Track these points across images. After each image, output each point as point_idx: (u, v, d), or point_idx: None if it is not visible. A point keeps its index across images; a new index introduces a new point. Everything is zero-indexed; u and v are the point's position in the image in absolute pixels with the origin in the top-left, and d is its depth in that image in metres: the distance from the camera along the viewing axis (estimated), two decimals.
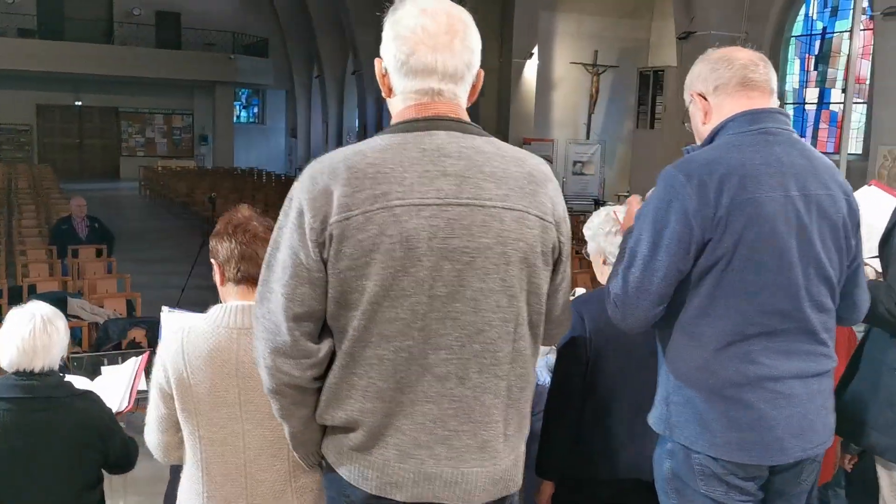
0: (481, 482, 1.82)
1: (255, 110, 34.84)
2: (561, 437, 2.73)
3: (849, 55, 11.90)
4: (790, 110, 13.81)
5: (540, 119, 20.60)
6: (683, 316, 2.08)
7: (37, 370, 2.76)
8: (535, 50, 20.09)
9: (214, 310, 2.39)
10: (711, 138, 2.16)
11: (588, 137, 21.09)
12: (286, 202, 1.85)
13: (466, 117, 1.87)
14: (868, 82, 11.64)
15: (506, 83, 20.34)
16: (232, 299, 2.41)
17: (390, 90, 1.86)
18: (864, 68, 11.94)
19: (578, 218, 16.70)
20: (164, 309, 2.92)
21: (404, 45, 1.80)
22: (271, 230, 2.39)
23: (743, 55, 2.20)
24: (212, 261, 2.45)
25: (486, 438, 1.82)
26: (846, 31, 12.69)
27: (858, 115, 12.00)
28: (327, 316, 1.81)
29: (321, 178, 1.76)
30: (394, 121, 1.84)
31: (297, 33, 30.89)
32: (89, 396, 2.89)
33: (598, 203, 19.85)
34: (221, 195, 18.02)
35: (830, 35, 12.91)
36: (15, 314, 2.79)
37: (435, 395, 1.78)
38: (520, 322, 1.83)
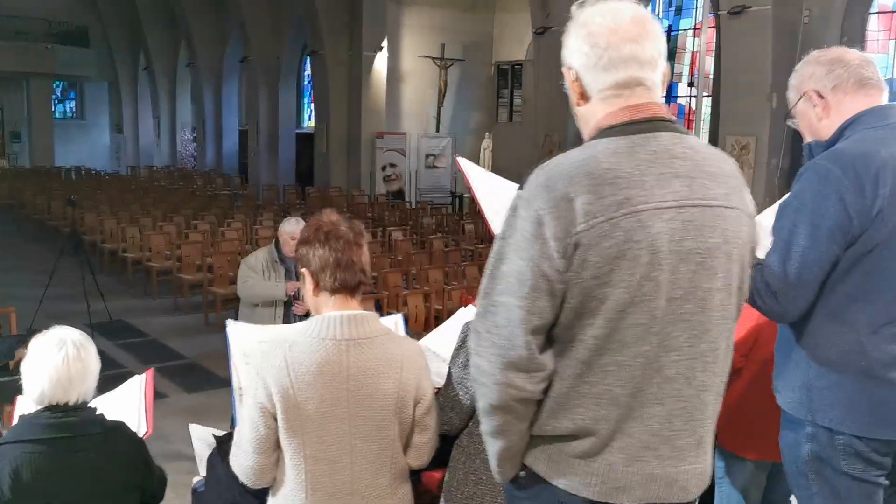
0: (694, 479, 1.84)
1: (73, 105, 32.35)
2: None
3: (697, 51, 12.77)
4: None
5: (391, 112, 20.59)
6: (830, 302, 2.18)
7: (71, 403, 2.44)
8: (385, 43, 20.04)
9: (314, 322, 2.25)
10: (840, 133, 2.27)
11: (438, 130, 21.32)
12: (509, 212, 1.78)
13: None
14: (712, 76, 12.55)
15: (356, 76, 20.16)
16: (328, 309, 2.27)
17: (582, 95, 1.85)
18: (708, 64, 12.86)
19: (441, 210, 17.02)
20: (229, 322, 2.67)
21: (600, 40, 1.79)
22: (361, 234, 2.27)
23: (853, 56, 2.36)
24: (302, 270, 2.30)
25: (702, 435, 1.84)
26: (690, 29, 13.61)
27: (704, 107, 12.92)
28: (558, 326, 1.76)
29: (559, 185, 1.71)
30: (602, 123, 1.82)
31: (119, 21, 29.00)
32: (123, 429, 2.60)
33: (454, 195, 20.14)
34: (46, 196, 16.66)
35: (676, 32, 13.80)
36: (41, 341, 2.45)
37: (664, 396, 1.77)
38: (734, 319, 1.87)
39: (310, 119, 26.24)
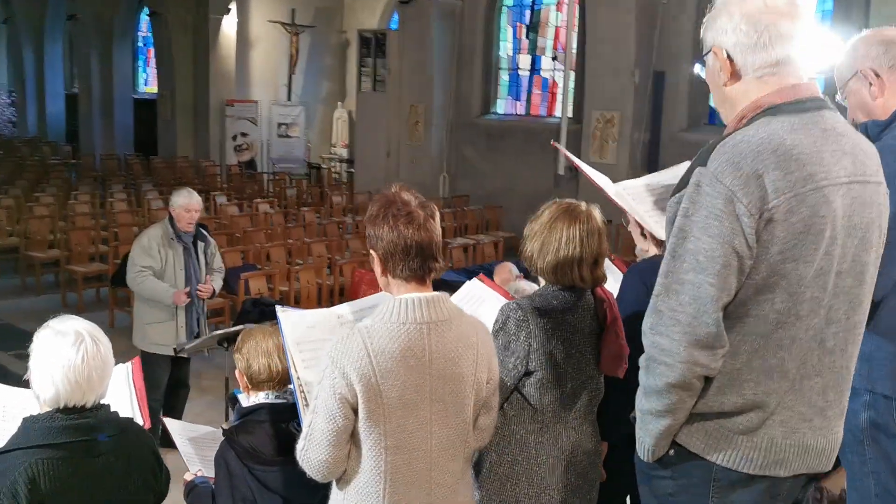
0: (837, 447, 1.89)
1: None
2: (617, 400, 2.78)
3: (560, 26, 13.09)
4: (504, 76, 14.88)
5: (240, 80, 19.71)
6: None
7: (89, 405, 2.15)
8: (233, 6, 19.10)
9: (390, 306, 2.10)
10: None
11: (289, 99, 20.66)
12: (692, 189, 1.75)
13: None
14: (576, 51, 12.93)
15: (203, 41, 19.12)
16: (401, 291, 2.12)
17: (733, 74, 1.87)
18: (573, 39, 13.23)
19: (282, 176, 16.51)
20: (279, 308, 2.41)
21: (759, 19, 1.81)
22: (433, 215, 2.14)
23: None
24: (371, 252, 2.14)
25: (844, 404, 1.91)
26: (554, 3, 13.94)
27: (570, 82, 13.29)
28: (736, 301, 1.76)
29: (746, 162, 1.71)
30: (764, 102, 1.82)
31: None
32: (135, 427, 2.35)
33: (311, 166, 19.66)
34: None
35: (539, 6, 14.08)
36: (52, 335, 2.13)
37: (822, 368, 1.81)
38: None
39: (146, 84, 24.66)
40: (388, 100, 15.27)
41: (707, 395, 1.83)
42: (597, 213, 2.69)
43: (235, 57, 19.23)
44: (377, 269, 2.18)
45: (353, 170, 19.61)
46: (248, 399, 2.74)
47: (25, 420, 2.17)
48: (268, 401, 2.70)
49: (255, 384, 2.71)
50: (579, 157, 12.67)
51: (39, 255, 10.09)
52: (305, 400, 2.27)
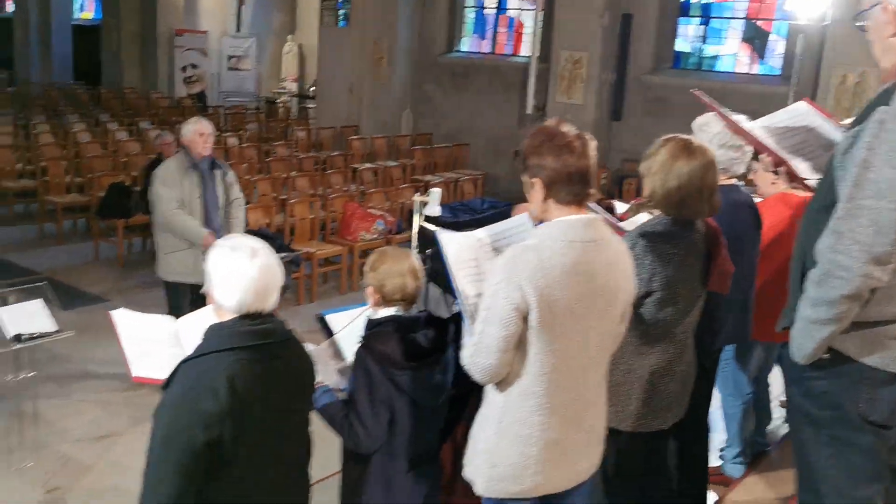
0: None
1: None
2: None
3: None
4: (470, 14, 14.89)
5: (188, 9, 19.12)
6: None
7: (266, 311, 2.34)
8: None
9: (554, 226, 2.35)
10: None
11: (239, 31, 20.17)
12: (875, 126, 2.00)
13: None
14: None
15: None
16: (561, 215, 2.35)
17: None
18: None
19: (240, 110, 16.25)
20: (439, 231, 2.59)
21: None
22: (587, 144, 2.36)
23: None
24: (532, 179, 2.35)
25: None
26: None
27: (537, 21, 13.42)
28: None
29: None
30: None
31: None
32: (293, 336, 2.53)
33: (268, 101, 19.29)
34: None
35: None
36: (228, 251, 2.30)
37: None
38: None
39: (82, 10, 23.62)
40: (350, 35, 15.10)
41: (869, 305, 2.14)
42: (709, 147, 2.94)
43: None
44: (537, 195, 2.38)
45: (308, 105, 19.42)
46: (376, 313, 2.95)
47: (212, 328, 2.32)
48: (398, 314, 2.91)
49: (388, 301, 2.92)
50: (546, 96, 12.92)
51: (11, 186, 9.84)
52: (469, 311, 2.48)
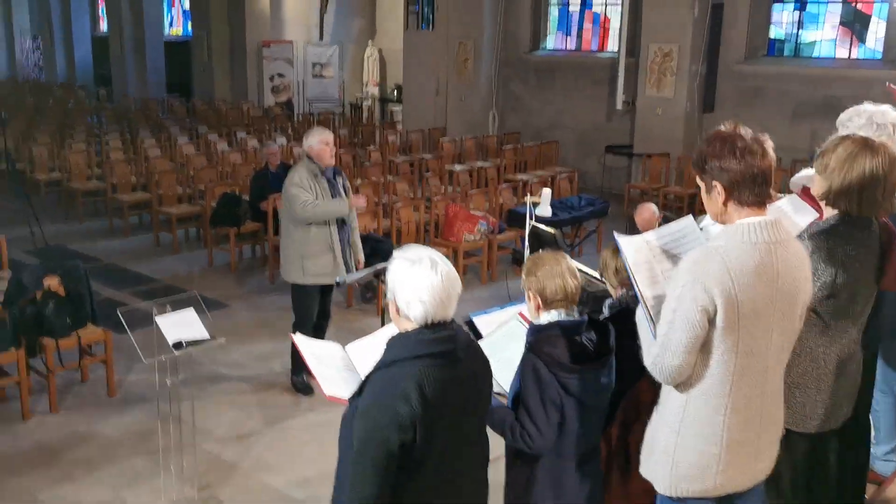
0: None
1: None
2: None
3: None
4: (555, 12, 14.85)
5: (275, 20, 19.59)
6: None
7: (448, 320, 2.43)
8: None
9: (738, 228, 2.37)
10: None
11: (321, 39, 20.56)
12: None
13: None
14: None
15: None
16: (742, 216, 2.37)
17: None
18: None
19: (328, 116, 16.58)
20: (617, 236, 2.65)
21: None
22: (765, 146, 2.35)
23: None
24: (714, 183, 2.36)
25: None
26: None
27: (623, 15, 13.30)
28: None
29: None
30: None
31: None
32: (473, 341, 2.61)
33: (353, 106, 19.60)
34: None
35: None
36: (409, 264, 2.39)
37: None
38: None
39: (171, 25, 24.44)
40: (435, 38, 15.25)
41: None
42: (890, 145, 2.89)
43: None
44: (718, 198, 2.40)
45: (391, 108, 19.67)
46: (539, 317, 3.01)
47: (397, 337, 2.42)
48: (560, 318, 2.97)
49: (548, 304, 2.97)
50: (635, 90, 12.78)
51: (127, 198, 10.30)
52: (649, 313, 2.52)
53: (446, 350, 2.37)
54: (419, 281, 2.36)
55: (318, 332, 6.00)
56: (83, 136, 13.19)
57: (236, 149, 12.14)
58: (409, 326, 2.41)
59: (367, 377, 2.41)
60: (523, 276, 3.04)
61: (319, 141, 5.63)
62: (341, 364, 2.96)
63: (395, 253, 2.49)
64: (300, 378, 5.93)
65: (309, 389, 5.88)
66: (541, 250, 6.13)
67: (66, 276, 5.77)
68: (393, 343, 2.42)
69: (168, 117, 16.51)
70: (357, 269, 5.89)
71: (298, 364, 5.93)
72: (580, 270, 3.17)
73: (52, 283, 5.68)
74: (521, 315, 3.48)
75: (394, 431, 2.25)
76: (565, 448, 2.93)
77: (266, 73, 19.30)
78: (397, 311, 2.41)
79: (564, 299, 2.97)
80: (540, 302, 2.99)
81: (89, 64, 23.70)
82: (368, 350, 2.86)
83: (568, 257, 3.05)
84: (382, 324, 5.54)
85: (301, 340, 3.10)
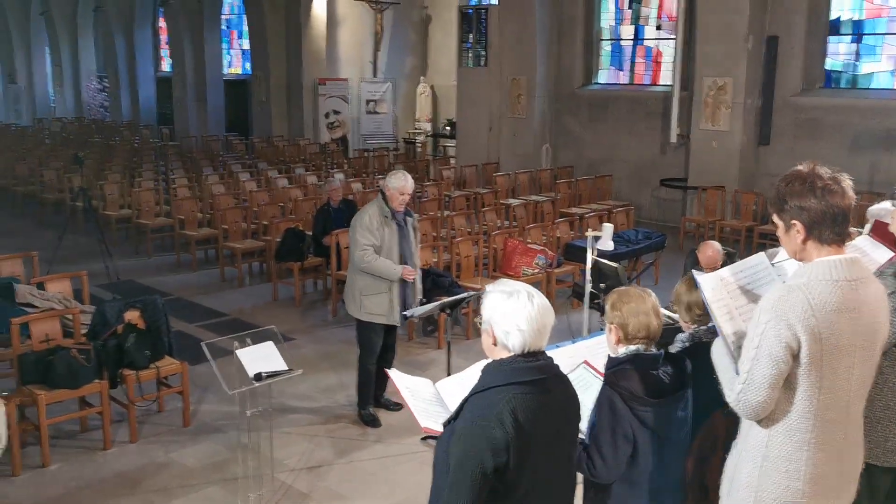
0: None
1: None
2: None
3: None
4: (607, 46, 14.99)
5: (330, 58, 20.10)
6: None
7: (542, 349, 2.52)
8: None
9: (818, 267, 2.41)
10: None
11: (375, 75, 21.00)
12: None
13: None
14: (682, 18, 12.98)
15: (294, 22, 19.51)
16: (822, 254, 2.42)
17: None
18: (674, 6, 13.29)
19: (383, 153, 16.90)
20: (696, 273, 2.74)
21: None
22: (844, 185, 2.40)
23: None
24: (794, 222, 2.42)
25: None
26: None
27: (672, 49, 13.39)
28: None
29: None
30: None
31: None
32: (561, 372, 2.69)
33: (406, 141, 19.92)
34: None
35: None
36: (505, 297, 2.50)
37: None
38: None
39: (230, 65, 25.20)
40: (489, 74, 15.49)
41: None
42: None
43: (326, 36, 19.58)
44: (798, 236, 2.47)
45: (444, 143, 19.95)
46: (618, 350, 3.09)
47: (492, 365, 2.53)
48: (638, 352, 3.05)
49: (629, 339, 3.06)
50: (689, 124, 12.80)
51: (193, 234, 10.63)
52: (731, 349, 2.59)
53: (539, 378, 2.48)
54: (518, 311, 2.47)
55: (382, 364, 6.13)
56: (150, 174, 13.67)
57: (296, 185, 12.45)
58: (504, 355, 2.52)
59: (465, 401, 2.51)
60: (607, 308, 3.12)
61: (397, 188, 5.77)
62: (433, 399, 3.07)
63: (490, 287, 2.60)
64: (367, 411, 6.06)
65: (376, 422, 5.99)
66: (602, 285, 6.25)
67: (146, 309, 6.00)
68: (489, 370, 2.53)
69: (228, 155, 17.02)
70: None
71: (366, 397, 6.07)
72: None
73: (133, 316, 5.92)
74: (588, 363, 3.55)
75: (488, 453, 2.34)
76: (638, 478, 2.99)
77: (322, 109, 19.79)
78: (494, 341, 2.52)
79: (646, 338, 3.04)
80: (621, 336, 3.06)
81: (153, 104, 24.51)
82: (458, 387, 2.97)
83: (653, 295, 3.12)
84: (448, 358, 5.66)
85: (396, 375, 3.22)
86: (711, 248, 6.16)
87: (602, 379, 3.07)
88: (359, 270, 5.85)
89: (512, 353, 2.50)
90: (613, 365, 3.04)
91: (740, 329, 2.62)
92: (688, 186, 13.00)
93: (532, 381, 2.46)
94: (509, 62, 15.10)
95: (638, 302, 3.04)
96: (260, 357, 4.42)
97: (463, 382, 2.88)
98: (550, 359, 2.57)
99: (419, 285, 6.18)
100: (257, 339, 4.84)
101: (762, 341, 2.40)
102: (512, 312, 2.47)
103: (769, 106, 12.48)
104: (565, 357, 3.71)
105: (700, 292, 2.71)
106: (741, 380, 2.47)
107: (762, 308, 2.43)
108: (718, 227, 11.76)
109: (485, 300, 2.55)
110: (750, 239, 11.31)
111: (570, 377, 3.39)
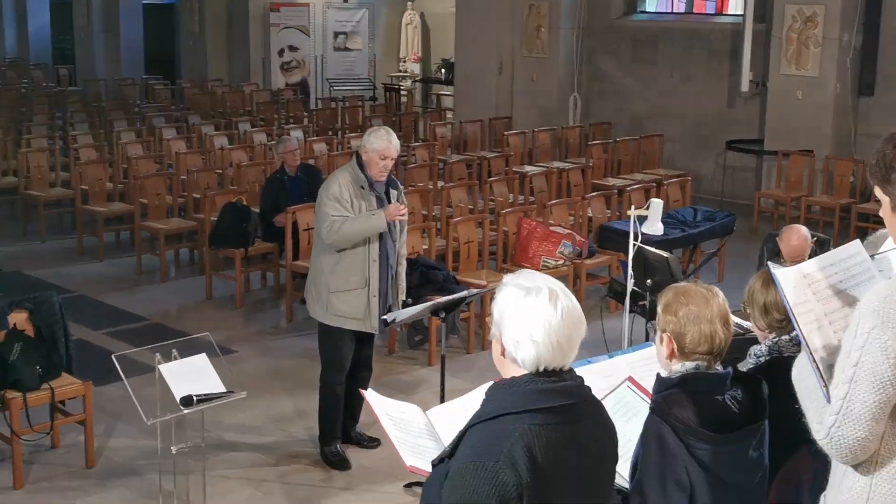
0: None
1: None
2: None
3: None
4: None
5: None
6: None
7: (566, 366, 2.52)
8: None
9: None
10: None
11: (346, 0, 20.95)
12: None
13: None
14: None
15: None
16: None
17: None
18: None
19: (356, 104, 16.82)
20: (771, 265, 2.74)
21: None
22: None
23: None
24: None
25: None
26: None
27: None
28: None
29: None
30: None
31: None
32: (593, 396, 2.69)
33: (387, 88, 19.87)
34: None
35: None
36: (522, 293, 2.47)
37: None
38: None
39: None
40: None
41: None
42: None
43: None
44: None
45: (439, 92, 19.93)
46: (671, 367, 3.08)
47: (501, 385, 2.52)
48: (699, 371, 3.04)
49: (687, 353, 3.04)
50: (767, 67, 12.80)
51: (101, 210, 10.61)
52: (819, 368, 2.57)
53: (564, 405, 2.46)
54: (534, 315, 2.44)
55: (354, 385, 6.12)
56: (43, 130, 13.60)
57: (239, 145, 12.44)
58: (517, 372, 2.50)
59: (463, 432, 2.50)
60: (659, 310, 3.10)
61: (377, 150, 5.71)
62: (423, 431, 3.06)
63: (507, 278, 2.58)
64: (333, 448, 6.05)
65: (345, 463, 6.01)
66: (649, 281, 6.26)
67: (37, 310, 5.99)
68: (497, 391, 2.51)
69: (148, 104, 16.96)
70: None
71: (331, 429, 6.06)
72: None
73: (19, 319, 5.91)
74: (633, 381, 3.54)
75: (494, 502, 2.32)
76: None
77: (274, 45, 19.75)
78: (502, 351, 2.50)
79: (709, 352, 3.02)
80: (675, 348, 3.05)
81: (47, 36, 24.40)
82: (457, 416, 2.96)
83: (721, 295, 3.09)
84: (442, 379, 5.66)
85: (373, 398, 3.22)
86: (798, 235, 6.16)
87: (650, 404, 3.06)
88: (326, 257, 5.82)
89: (525, 371, 2.48)
90: (665, 387, 3.03)
91: (831, 342, 2.60)
92: (764, 151, 13.02)
93: (554, 407, 2.44)
94: None
95: (700, 304, 3.02)
96: (190, 375, 4.42)
97: (464, 409, 2.88)
98: (580, 378, 2.56)
99: (402, 283, 6.16)
100: (186, 350, 4.83)
101: (863, 357, 2.39)
102: (526, 316, 2.45)
103: (874, 45, 12.48)
104: (599, 376, 3.71)
105: (778, 291, 2.70)
106: (834, 409, 2.45)
107: (862, 312, 2.41)
108: (804, 205, 11.78)
109: (497, 295, 2.54)
110: (846, 221, 11.33)
111: (608, 402, 3.39)
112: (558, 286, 2.52)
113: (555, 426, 2.43)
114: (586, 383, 2.58)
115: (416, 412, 3.18)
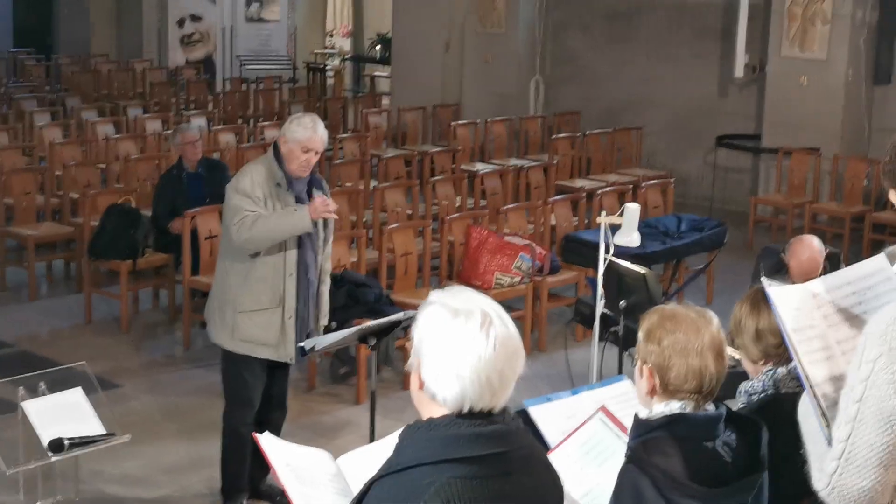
0: None
1: None
2: None
3: None
4: None
5: None
6: None
7: (497, 410, 2.48)
8: None
9: None
10: None
11: None
12: None
13: None
14: None
15: None
16: None
17: None
18: None
19: (272, 86, 16.74)
20: (766, 281, 2.74)
21: None
22: None
23: None
24: None
25: None
26: None
27: None
28: None
29: None
30: None
31: None
32: (537, 445, 2.71)
33: (310, 67, 19.88)
34: None
35: None
36: (449, 316, 2.43)
37: None
38: None
39: None
40: None
41: None
42: None
43: None
44: None
45: (374, 73, 19.95)
46: (651, 406, 3.07)
47: (416, 428, 2.48)
48: (685, 412, 3.04)
49: (671, 391, 3.03)
50: (766, 49, 12.96)
51: None
52: (821, 406, 2.59)
53: (492, 454, 2.43)
54: (460, 344, 2.41)
55: (264, 428, 6.06)
56: None
57: (128, 134, 12.34)
58: (436, 412, 2.48)
59: (368, 485, 2.49)
60: (640, 337, 3.09)
61: (299, 140, 5.68)
62: (329, 483, 3.04)
63: (433, 295, 2.54)
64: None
65: None
66: (623, 302, 6.30)
67: None
68: (411, 435, 2.47)
69: (17, 83, 16.76)
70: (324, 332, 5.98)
71: (236, 481, 6.01)
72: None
73: None
74: (606, 412, 3.53)
75: None
76: None
77: (172, 14, 19.65)
78: (421, 385, 2.48)
79: (698, 391, 3.02)
80: (657, 384, 3.04)
81: None
82: (371, 463, 2.94)
83: (716, 320, 3.08)
84: (372, 419, 5.64)
85: (269, 443, 3.18)
86: (810, 249, 6.20)
87: (626, 451, 3.06)
88: (234, 268, 5.79)
89: (448, 411, 2.46)
90: (644, 431, 3.03)
91: (841, 374, 2.62)
92: (761, 149, 13.17)
93: (480, 457, 2.41)
94: None
95: (689, 332, 3.01)
96: (61, 414, 4.36)
97: (382, 456, 2.86)
98: (515, 421, 2.55)
99: (325, 304, 6.14)
100: (58, 384, 4.77)
101: (868, 391, 2.41)
102: (451, 344, 2.42)
103: (892, 22, 12.69)
104: (561, 416, 3.70)
105: (773, 312, 2.71)
106: (835, 453, 2.46)
107: (868, 338, 2.43)
108: (809, 213, 11.89)
109: (419, 315, 2.51)
110: (858, 233, 11.48)
111: (575, 441, 3.39)
112: (494, 309, 2.49)
113: (480, 480, 2.40)
114: (547, 425, 2.57)
115: (324, 459, 3.15)
